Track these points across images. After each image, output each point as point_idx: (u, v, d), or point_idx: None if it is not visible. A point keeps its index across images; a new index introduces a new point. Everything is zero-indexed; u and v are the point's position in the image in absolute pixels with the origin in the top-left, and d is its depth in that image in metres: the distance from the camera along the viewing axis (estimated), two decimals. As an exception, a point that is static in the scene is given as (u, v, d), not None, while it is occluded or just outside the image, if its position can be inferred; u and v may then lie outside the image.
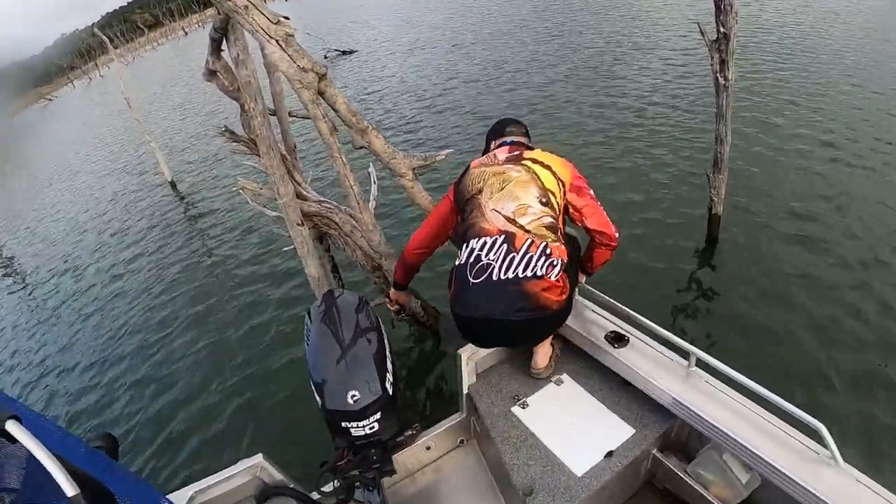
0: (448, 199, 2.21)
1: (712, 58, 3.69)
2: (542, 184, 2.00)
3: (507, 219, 1.94)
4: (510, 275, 1.89)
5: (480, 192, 2.01)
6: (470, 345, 2.26)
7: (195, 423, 3.98)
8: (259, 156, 3.26)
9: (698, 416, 1.76)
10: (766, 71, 8.05)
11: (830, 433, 1.48)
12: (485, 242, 1.93)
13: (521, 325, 1.95)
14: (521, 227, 1.93)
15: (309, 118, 3.89)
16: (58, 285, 7.57)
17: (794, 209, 4.71)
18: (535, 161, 2.06)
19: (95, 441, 1.57)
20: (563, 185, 2.03)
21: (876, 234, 4.24)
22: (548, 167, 2.04)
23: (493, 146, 2.31)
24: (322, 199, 3.52)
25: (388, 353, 2.00)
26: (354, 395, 1.77)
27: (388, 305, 2.80)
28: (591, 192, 2.07)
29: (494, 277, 1.90)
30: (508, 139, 2.27)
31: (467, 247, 1.97)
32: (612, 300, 2.21)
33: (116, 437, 1.63)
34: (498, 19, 16.88)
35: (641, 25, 12.27)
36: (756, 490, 1.77)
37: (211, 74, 3.16)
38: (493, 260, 1.91)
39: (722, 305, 3.91)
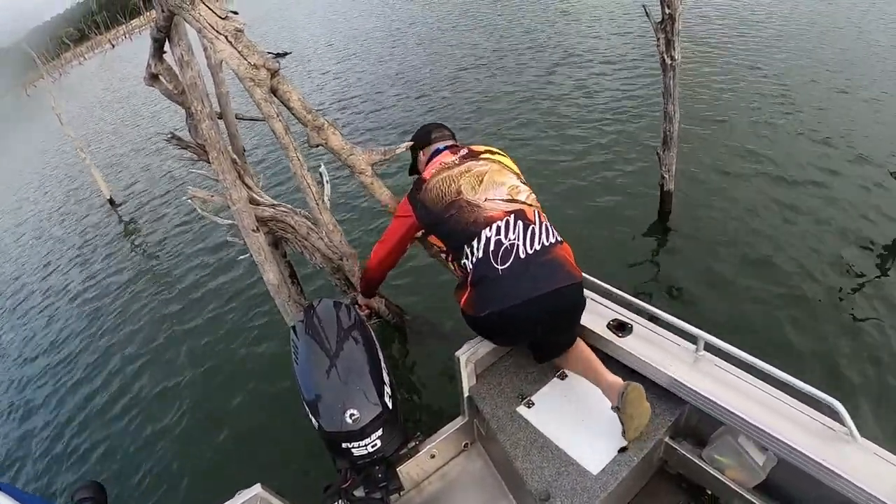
0: (408, 219, 2.13)
1: (658, 39, 3.81)
2: (512, 169, 2.08)
3: (507, 200, 1.93)
4: (537, 246, 1.85)
5: (459, 192, 1.96)
6: (468, 345, 2.15)
7: (184, 457, 3.74)
8: (208, 161, 3.17)
9: (710, 400, 1.74)
10: (710, 46, 8.42)
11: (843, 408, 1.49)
12: (499, 227, 1.87)
13: (569, 295, 1.87)
14: (524, 202, 1.94)
15: (257, 119, 3.84)
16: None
17: (747, 182, 4.94)
18: (491, 153, 2.13)
19: (82, 491, 1.48)
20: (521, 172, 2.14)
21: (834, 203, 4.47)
22: (504, 155, 2.15)
23: (422, 156, 2.35)
24: (275, 202, 3.45)
25: (381, 359, 1.95)
26: (353, 414, 1.71)
27: (359, 310, 2.78)
28: None
29: (523, 255, 1.83)
30: (441, 145, 2.28)
31: (479, 240, 1.87)
32: (611, 287, 2.15)
33: (103, 484, 1.54)
34: (430, 17, 16.86)
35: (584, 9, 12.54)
36: (773, 469, 1.76)
37: (153, 79, 3.05)
38: (514, 239, 1.85)
39: (678, 281, 4.02)
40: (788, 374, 1.59)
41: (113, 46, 62.55)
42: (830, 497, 1.50)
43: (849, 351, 3.20)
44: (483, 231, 1.87)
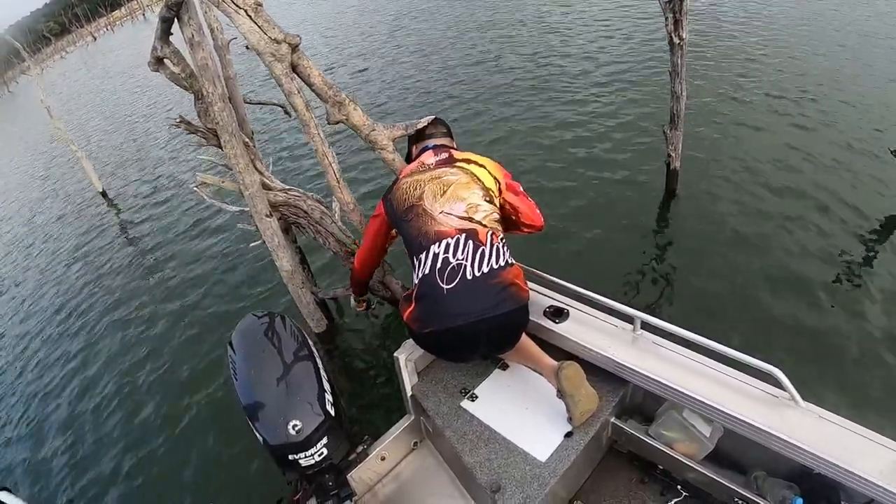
0: (379, 218, 2.18)
1: (666, 18, 3.78)
2: (483, 183, 2.04)
3: (462, 218, 1.93)
4: (485, 269, 1.86)
5: (421, 198, 1.98)
6: (406, 344, 2.18)
7: (132, 488, 3.54)
8: (218, 146, 3.11)
9: (650, 378, 1.76)
10: (719, 27, 8.36)
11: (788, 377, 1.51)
12: (448, 244, 1.87)
13: (508, 321, 1.89)
14: (479, 222, 1.93)
15: (268, 104, 3.77)
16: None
17: (750, 162, 4.89)
18: (468, 161, 2.10)
19: None
20: (499, 184, 2.09)
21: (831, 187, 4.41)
22: (482, 166, 2.10)
23: (415, 150, 2.36)
24: (287, 187, 3.39)
25: (322, 371, 1.96)
26: (296, 425, 1.72)
27: (358, 308, 2.89)
28: (521, 187, 2.17)
29: (469, 276, 1.83)
30: (430, 143, 2.29)
31: (427, 255, 1.88)
32: (545, 275, 2.16)
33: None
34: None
35: None
36: (721, 439, 1.80)
37: (158, 63, 2.96)
38: (462, 259, 1.85)
39: (686, 259, 3.99)
40: (727, 345, 1.61)
41: (95, 39, 61.38)
42: (780, 460, 1.55)
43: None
44: (432, 247, 1.88)
